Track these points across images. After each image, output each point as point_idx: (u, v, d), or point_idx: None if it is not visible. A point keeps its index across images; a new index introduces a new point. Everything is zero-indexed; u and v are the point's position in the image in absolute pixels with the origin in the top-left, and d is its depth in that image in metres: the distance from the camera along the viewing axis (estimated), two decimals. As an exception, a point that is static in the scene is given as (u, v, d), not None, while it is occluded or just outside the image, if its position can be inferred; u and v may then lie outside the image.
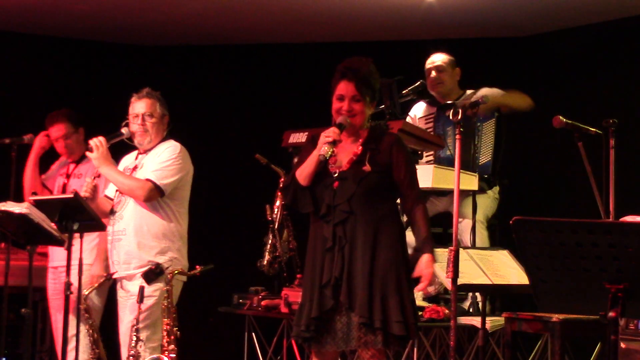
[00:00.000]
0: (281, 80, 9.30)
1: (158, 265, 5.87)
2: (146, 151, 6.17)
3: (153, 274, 5.87)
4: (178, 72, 9.61)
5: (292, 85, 9.10)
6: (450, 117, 5.38)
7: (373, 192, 4.99)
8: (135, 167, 6.13)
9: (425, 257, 4.92)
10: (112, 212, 6.13)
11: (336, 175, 5.02)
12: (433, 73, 7.34)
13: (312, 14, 8.62)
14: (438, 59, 7.40)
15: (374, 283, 4.89)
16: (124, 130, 6.19)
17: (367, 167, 4.99)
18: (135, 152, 6.26)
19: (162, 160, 6.04)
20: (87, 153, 6.08)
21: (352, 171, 5.01)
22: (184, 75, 9.60)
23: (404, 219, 5.40)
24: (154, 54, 9.80)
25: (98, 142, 6.04)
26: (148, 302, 5.83)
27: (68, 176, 7.00)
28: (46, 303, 7.19)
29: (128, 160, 6.26)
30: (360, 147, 5.06)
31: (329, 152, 4.91)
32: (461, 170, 5.49)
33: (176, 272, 5.86)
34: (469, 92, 7.28)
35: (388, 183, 5.01)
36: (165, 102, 6.23)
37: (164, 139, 6.17)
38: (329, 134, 4.94)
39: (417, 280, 4.95)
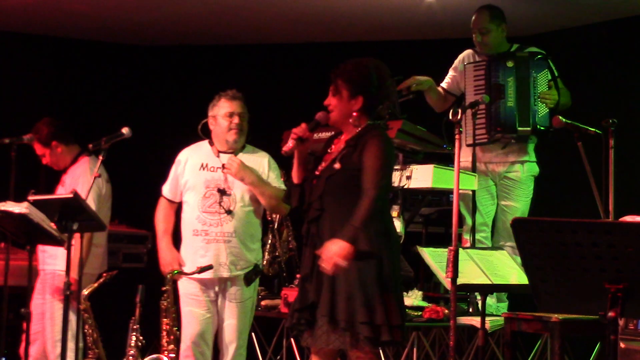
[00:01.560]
0: (281, 80, 9.30)
1: (257, 265, 6.06)
2: (234, 152, 6.20)
3: (254, 275, 6.06)
4: (177, 72, 9.60)
5: (292, 85, 9.11)
6: (450, 117, 5.36)
7: (342, 190, 4.92)
8: (223, 166, 6.15)
9: (333, 241, 4.75)
10: (216, 211, 6.13)
11: (317, 173, 5.03)
12: (477, 36, 7.15)
13: (311, 15, 8.63)
14: (481, 19, 7.14)
15: (337, 281, 4.81)
16: (124, 130, 6.21)
17: (337, 165, 4.94)
18: (206, 148, 6.26)
19: (276, 173, 6.21)
20: (228, 165, 6.10)
21: (327, 169, 4.99)
22: (183, 75, 9.59)
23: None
24: (154, 53, 9.81)
25: (231, 161, 6.07)
26: (248, 303, 6.03)
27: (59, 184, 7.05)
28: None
29: (208, 158, 6.24)
30: (343, 145, 5.02)
31: (293, 149, 4.94)
32: (461, 171, 5.48)
33: (175, 271, 5.86)
34: (516, 46, 7.14)
35: (359, 180, 4.87)
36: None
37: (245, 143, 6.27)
38: (295, 131, 4.96)
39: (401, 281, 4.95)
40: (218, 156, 6.19)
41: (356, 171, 4.87)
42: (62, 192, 6.82)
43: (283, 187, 6.09)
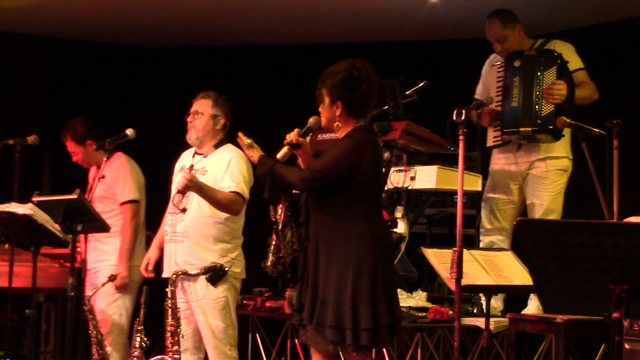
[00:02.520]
0: (287, 80, 9.30)
1: (221, 266, 5.94)
2: (205, 153, 6.22)
3: (217, 276, 5.96)
4: (184, 73, 9.59)
5: (297, 86, 9.10)
6: (454, 118, 5.35)
7: (321, 194, 5.00)
8: (192, 167, 6.16)
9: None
10: (172, 211, 6.17)
11: None
12: (497, 46, 7.04)
13: (314, 16, 8.62)
14: (494, 29, 7.00)
15: (318, 285, 4.93)
16: (128, 131, 6.24)
17: None
18: (191, 151, 6.31)
19: (237, 170, 6.11)
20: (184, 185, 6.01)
21: None
22: (191, 76, 9.58)
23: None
24: (160, 55, 9.81)
25: (187, 175, 6.01)
26: (219, 303, 5.94)
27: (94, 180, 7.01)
28: (51, 304, 7.20)
29: (185, 160, 6.33)
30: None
31: (287, 154, 5.03)
32: (465, 172, 5.46)
33: (180, 272, 5.86)
34: (540, 41, 7.05)
35: (337, 180, 4.93)
36: (224, 104, 6.30)
37: (221, 143, 6.23)
38: (287, 137, 5.04)
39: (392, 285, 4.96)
40: (193, 156, 6.26)
41: (342, 177, 4.94)
42: (103, 187, 6.85)
43: (235, 188, 6.03)
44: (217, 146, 6.22)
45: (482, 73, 7.25)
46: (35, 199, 6.47)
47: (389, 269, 5.04)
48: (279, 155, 5.05)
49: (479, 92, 7.16)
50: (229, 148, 6.20)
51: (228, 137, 6.26)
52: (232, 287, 6.11)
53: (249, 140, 5.16)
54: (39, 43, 9.46)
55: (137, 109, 9.14)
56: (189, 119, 6.22)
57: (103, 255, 6.81)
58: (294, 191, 5.57)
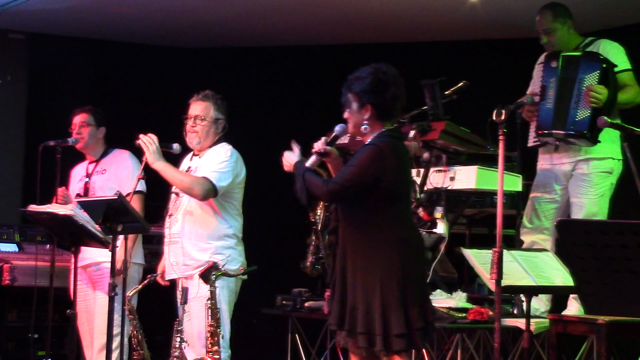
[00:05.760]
0: (324, 81, 9.29)
1: (215, 264, 5.88)
2: (200, 154, 6.23)
3: (209, 274, 5.91)
4: (225, 74, 9.62)
5: (336, 87, 9.10)
6: (494, 117, 5.32)
7: (350, 201, 5.02)
8: (189, 169, 6.18)
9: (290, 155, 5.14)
10: (167, 214, 6.20)
11: None
12: (543, 38, 6.97)
13: (353, 16, 8.62)
14: (544, 19, 6.93)
15: (346, 291, 4.97)
16: (175, 145, 6.25)
17: None
18: (190, 154, 6.33)
19: (217, 162, 6.10)
20: (140, 141, 6.08)
21: None
22: (229, 77, 9.61)
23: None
24: (200, 56, 9.85)
25: (149, 139, 6.07)
26: (210, 302, 5.85)
27: (89, 175, 6.99)
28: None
29: (184, 163, 6.33)
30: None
31: (316, 163, 5.07)
32: (505, 172, 5.43)
33: (219, 273, 5.87)
34: (587, 40, 6.96)
35: (362, 190, 4.95)
36: (223, 105, 6.28)
37: (217, 142, 6.23)
38: (314, 146, 5.10)
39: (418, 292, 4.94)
40: (191, 159, 6.28)
41: (366, 186, 4.94)
42: (101, 180, 6.85)
43: (206, 174, 6.00)
44: (213, 145, 6.24)
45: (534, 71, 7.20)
46: (76, 199, 6.51)
47: (419, 273, 5.05)
48: (307, 164, 5.09)
49: (529, 91, 7.10)
50: (220, 145, 6.22)
51: (225, 136, 6.29)
52: (226, 285, 6.07)
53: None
54: (81, 45, 9.52)
55: (177, 110, 9.18)
56: (189, 124, 6.20)
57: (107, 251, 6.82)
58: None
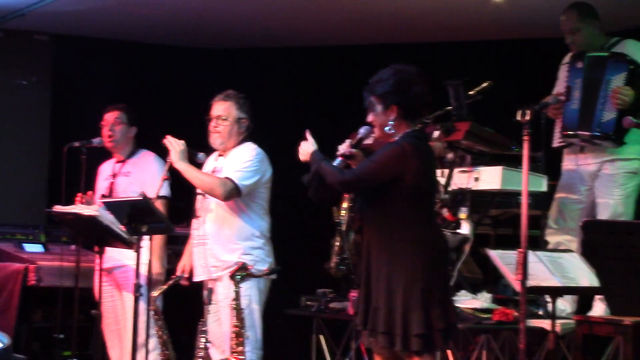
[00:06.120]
0: (348, 82, 9.29)
1: (244, 265, 5.88)
2: (225, 154, 6.24)
3: (238, 275, 5.93)
4: (249, 75, 9.63)
5: (360, 87, 9.09)
6: (519, 118, 5.30)
7: (374, 202, 5.02)
8: (214, 170, 6.19)
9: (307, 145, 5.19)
10: (195, 215, 6.21)
11: None
12: (568, 37, 6.92)
13: (376, 16, 8.61)
14: (569, 19, 6.89)
15: (370, 291, 4.99)
16: (200, 155, 6.26)
17: None
18: (215, 155, 6.35)
19: (241, 161, 6.12)
20: (167, 141, 6.11)
21: None
22: (254, 77, 9.62)
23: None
24: (224, 57, 9.86)
25: (174, 140, 6.11)
26: (242, 303, 5.86)
27: (114, 175, 7.00)
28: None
29: (209, 164, 6.35)
30: None
31: (341, 166, 5.08)
32: (530, 172, 5.41)
33: (244, 274, 5.87)
34: (612, 40, 6.91)
35: (385, 189, 4.95)
36: (246, 104, 6.29)
37: (242, 142, 6.23)
38: (340, 149, 5.13)
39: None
40: (216, 159, 6.30)
41: (383, 183, 4.96)
42: (125, 182, 6.86)
43: (229, 174, 6.04)
44: (237, 145, 6.26)
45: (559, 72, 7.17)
46: (101, 200, 6.53)
47: (442, 274, 5.04)
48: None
49: (555, 91, 7.07)
50: (245, 144, 6.25)
51: (250, 135, 6.30)
52: (255, 286, 6.09)
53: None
54: (106, 46, 9.55)
55: (201, 111, 9.20)
56: (212, 124, 6.23)
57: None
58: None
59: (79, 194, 6.74)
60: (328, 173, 5.03)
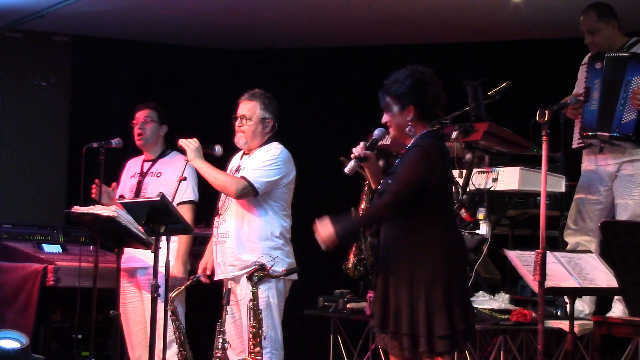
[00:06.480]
0: (369, 82, 9.28)
1: (262, 265, 5.89)
2: (250, 153, 6.26)
3: (256, 275, 5.92)
4: (269, 76, 9.63)
5: (378, 88, 9.09)
6: (537, 118, 5.29)
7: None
8: (238, 168, 6.21)
9: (327, 222, 4.98)
10: (217, 213, 6.23)
11: (379, 187, 5.18)
12: (587, 37, 6.90)
13: (395, 17, 8.61)
14: (588, 19, 6.87)
15: (388, 293, 4.98)
16: (217, 148, 6.27)
17: (389, 180, 5.05)
18: (240, 153, 6.37)
19: (261, 160, 6.14)
20: (181, 142, 6.15)
21: (383, 183, 5.11)
22: (274, 78, 9.62)
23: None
24: (244, 57, 9.87)
25: (188, 140, 6.16)
26: (261, 303, 5.86)
27: (143, 175, 6.98)
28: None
29: (234, 161, 6.37)
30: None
31: (354, 168, 5.07)
32: (548, 173, 5.40)
33: (262, 274, 5.87)
34: (632, 41, 6.86)
35: (416, 193, 4.93)
36: (272, 104, 6.29)
37: (268, 142, 6.25)
38: (354, 151, 5.09)
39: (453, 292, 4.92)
40: (241, 157, 6.32)
41: (419, 188, 4.93)
42: (155, 183, 6.86)
43: (245, 174, 6.06)
44: (263, 145, 6.26)
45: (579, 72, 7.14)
46: (119, 200, 6.54)
47: (462, 276, 5.06)
48: (346, 170, 5.10)
49: (575, 92, 7.04)
50: (270, 144, 6.25)
51: (275, 135, 6.30)
52: (274, 286, 6.08)
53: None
54: (125, 47, 9.58)
55: (221, 112, 9.23)
56: (237, 124, 6.24)
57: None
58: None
59: (96, 181, 6.75)
60: (370, 214, 5.13)
